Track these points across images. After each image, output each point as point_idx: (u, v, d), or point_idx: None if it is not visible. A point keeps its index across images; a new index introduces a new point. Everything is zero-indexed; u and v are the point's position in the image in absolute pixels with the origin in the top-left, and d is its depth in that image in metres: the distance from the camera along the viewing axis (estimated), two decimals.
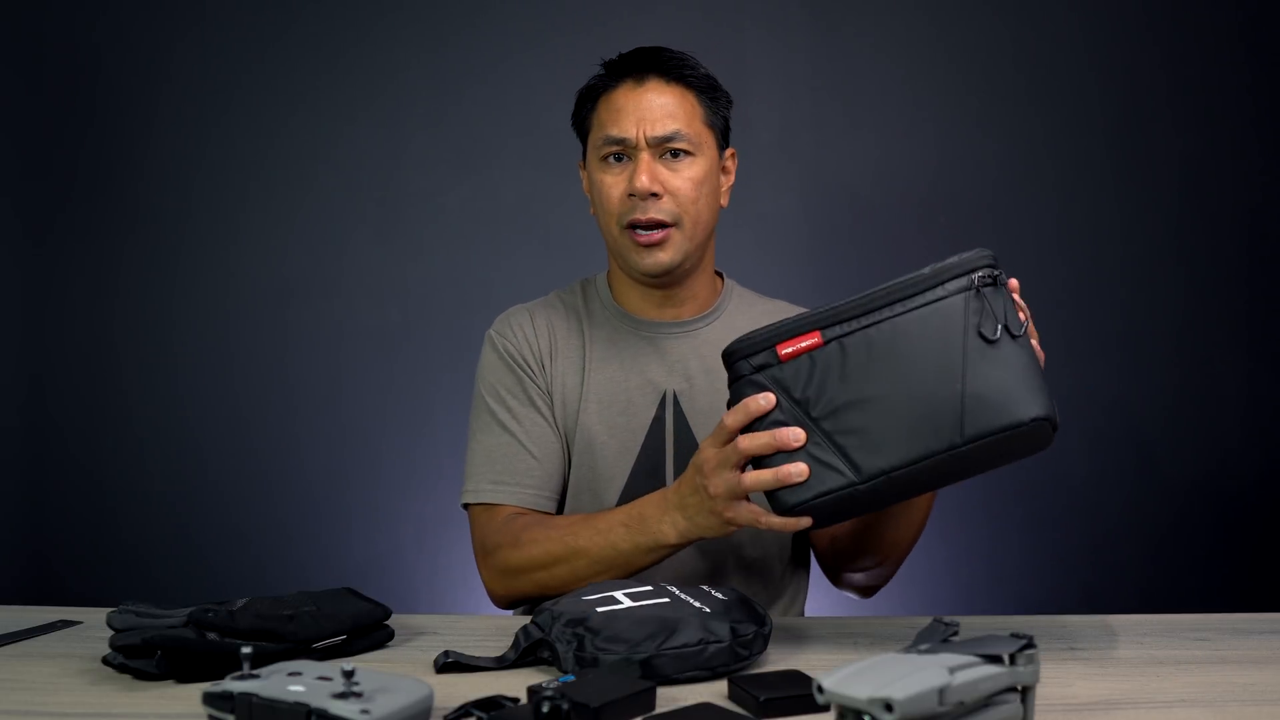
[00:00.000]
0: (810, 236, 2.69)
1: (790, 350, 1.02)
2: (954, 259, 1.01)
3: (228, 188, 2.64)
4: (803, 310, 1.41)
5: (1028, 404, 0.97)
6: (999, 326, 0.98)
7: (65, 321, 2.63)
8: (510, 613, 1.33)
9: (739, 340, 1.05)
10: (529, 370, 1.35)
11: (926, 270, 1.01)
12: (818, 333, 1.01)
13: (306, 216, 2.65)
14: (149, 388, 2.63)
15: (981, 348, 0.98)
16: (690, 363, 1.35)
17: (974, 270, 1.00)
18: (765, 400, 1.01)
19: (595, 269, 1.45)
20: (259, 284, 2.64)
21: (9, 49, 2.60)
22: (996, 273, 1.00)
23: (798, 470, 0.98)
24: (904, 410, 0.98)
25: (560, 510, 1.35)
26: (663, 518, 1.13)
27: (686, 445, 1.32)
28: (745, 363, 1.04)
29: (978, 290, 0.99)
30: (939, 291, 1.00)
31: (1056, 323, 2.68)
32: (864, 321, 1.01)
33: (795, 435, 0.99)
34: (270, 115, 2.64)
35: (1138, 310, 2.69)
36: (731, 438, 1.03)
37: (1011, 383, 0.97)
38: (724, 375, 1.33)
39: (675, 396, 1.33)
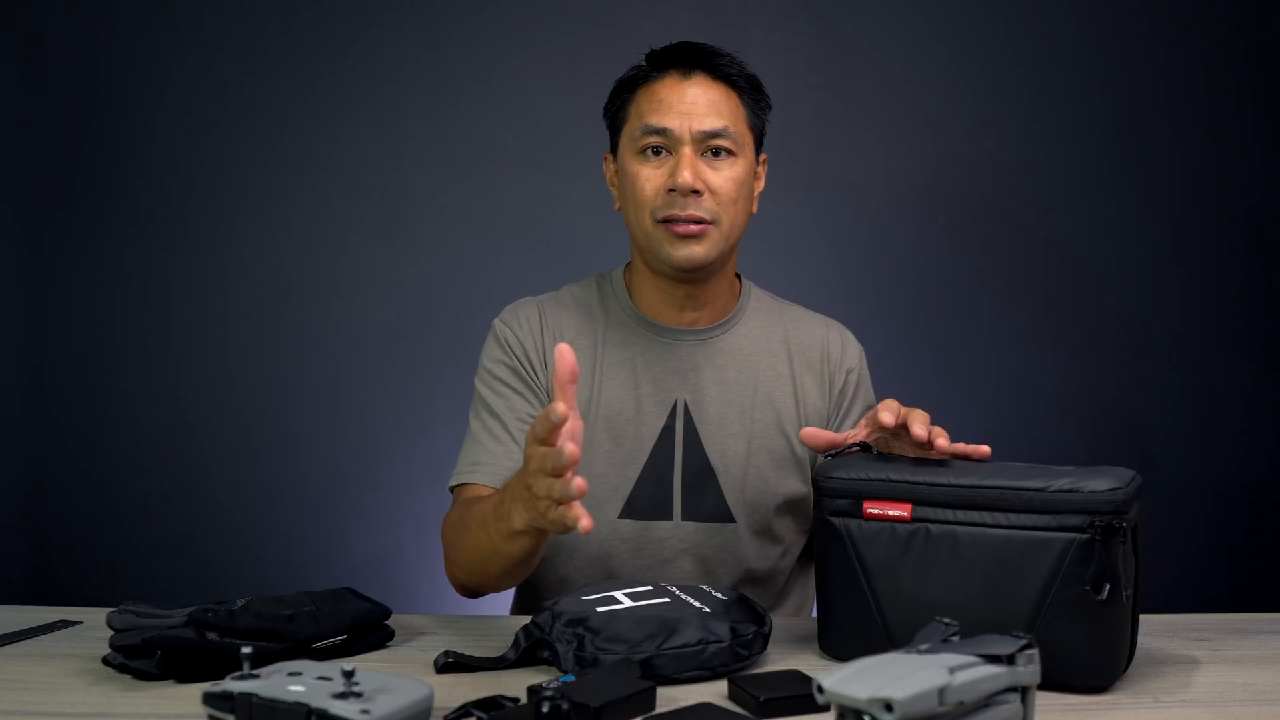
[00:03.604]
0: (810, 236, 2.68)
1: (876, 512, 0.99)
2: (1085, 482, 0.92)
3: (228, 188, 2.64)
4: (820, 316, 1.42)
5: (1093, 674, 0.93)
6: (1107, 586, 0.90)
7: (65, 321, 2.63)
8: (508, 612, 1.33)
9: (833, 469, 1.03)
10: (527, 362, 1.32)
11: (1049, 487, 0.93)
12: (910, 506, 0.98)
13: (306, 216, 2.65)
14: (149, 387, 2.63)
15: (1071, 599, 0.91)
16: (704, 372, 1.33)
17: (1097, 513, 0.91)
18: (560, 409, 0.92)
19: (596, 269, 1.41)
20: (259, 284, 2.64)
21: (9, 49, 2.60)
22: (1122, 523, 0.90)
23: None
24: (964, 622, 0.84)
25: None
26: (515, 504, 1.05)
27: (695, 455, 1.30)
28: (830, 501, 1.02)
29: (1093, 539, 0.91)
30: (1049, 520, 0.92)
31: (1057, 323, 2.69)
32: (960, 516, 0.96)
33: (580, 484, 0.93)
34: (270, 115, 2.63)
35: (1137, 311, 2.69)
36: (548, 438, 0.94)
37: (1086, 648, 0.91)
38: (736, 386, 1.33)
39: (686, 406, 1.31)
